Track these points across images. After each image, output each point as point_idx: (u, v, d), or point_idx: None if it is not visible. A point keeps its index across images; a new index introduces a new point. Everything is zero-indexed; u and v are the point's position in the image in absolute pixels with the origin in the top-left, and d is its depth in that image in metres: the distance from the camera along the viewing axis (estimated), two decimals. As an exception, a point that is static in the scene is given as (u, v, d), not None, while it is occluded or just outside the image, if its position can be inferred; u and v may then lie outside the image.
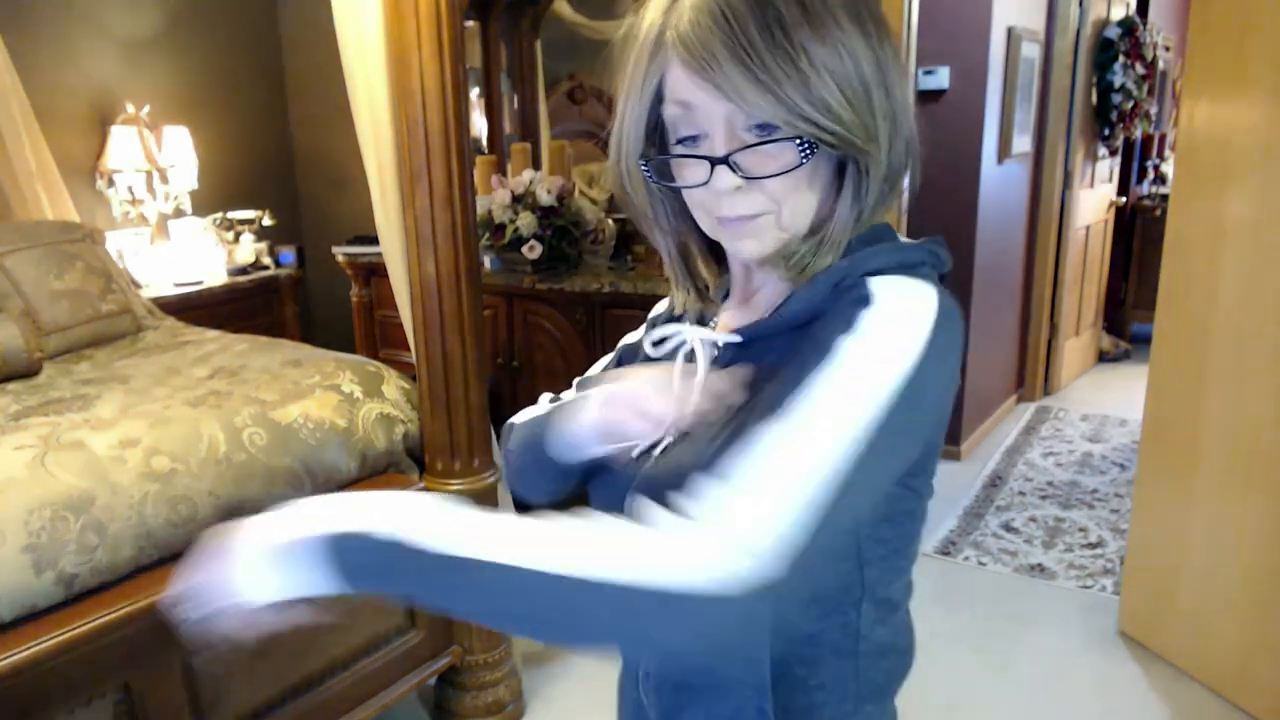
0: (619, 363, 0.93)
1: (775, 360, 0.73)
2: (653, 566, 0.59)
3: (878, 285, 0.70)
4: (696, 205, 0.76)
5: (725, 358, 0.79)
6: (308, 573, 0.68)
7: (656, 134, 0.76)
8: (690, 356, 0.80)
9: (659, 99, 0.73)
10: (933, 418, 0.72)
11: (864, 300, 0.69)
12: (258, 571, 0.69)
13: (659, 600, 0.58)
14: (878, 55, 0.70)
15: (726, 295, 0.86)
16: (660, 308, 0.94)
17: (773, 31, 0.66)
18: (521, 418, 0.93)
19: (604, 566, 0.60)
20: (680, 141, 0.73)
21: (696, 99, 0.69)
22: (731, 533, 0.60)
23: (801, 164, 0.69)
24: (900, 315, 0.68)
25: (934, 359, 0.67)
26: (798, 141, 0.68)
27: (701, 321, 0.85)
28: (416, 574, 0.65)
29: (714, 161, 0.70)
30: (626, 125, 0.75)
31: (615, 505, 0.76)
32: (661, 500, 0.64)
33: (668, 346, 0.81)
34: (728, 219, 0.73)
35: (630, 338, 0.95)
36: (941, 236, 0.78)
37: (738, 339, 0.78)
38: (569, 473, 0.85)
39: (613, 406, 0.78)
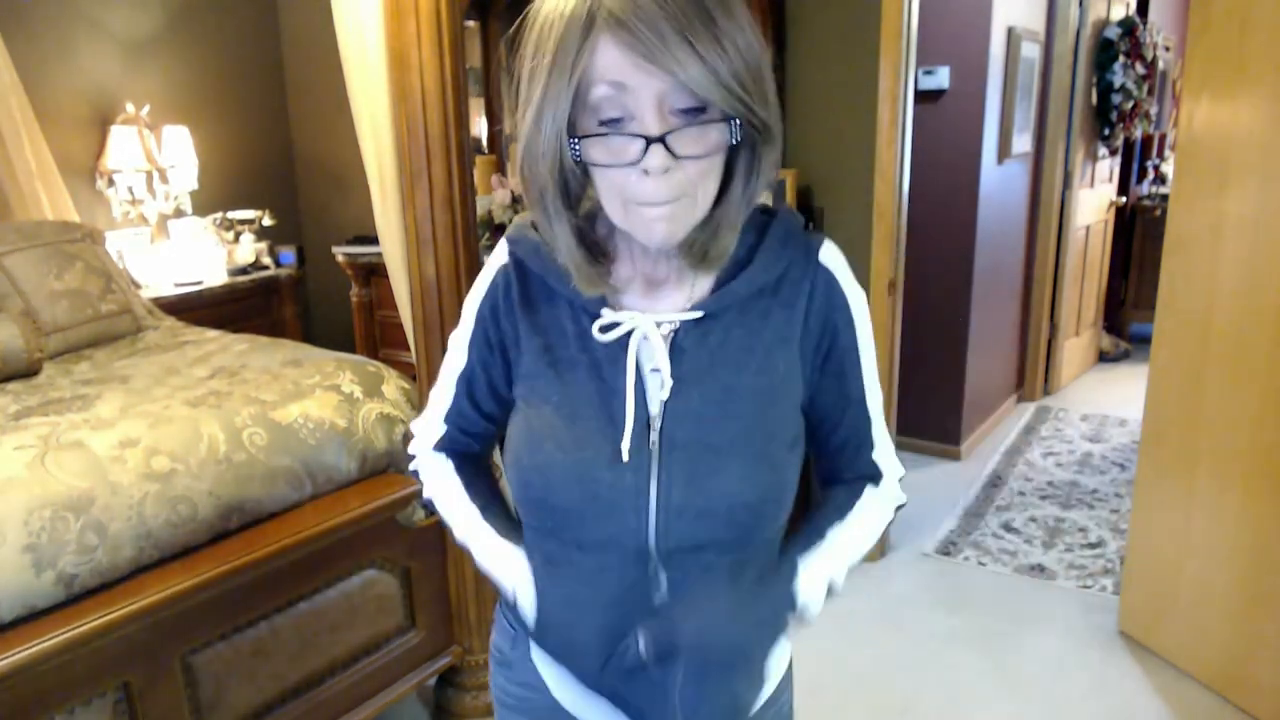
0: (491, 311, 0.94)
1: (744, 332, 0.85)
2: (886, 514, 0.99)
3: (831, 259, 0.89)
4: (611, 191, 0.77)
5: (683, 335, 0.85)
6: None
7: (573, 120, 0.76)
8: (623, 343, 0.86)
9: (584, 80, 0.73)
10: None
11: (837, 279, 0.88)
12: None
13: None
14: (762, 49, 0.76)
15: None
16: (486, 280, 0.95)
17: (704, 16, 0.70)
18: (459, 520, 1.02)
19: (874, 533, 0.97)
20: (603, 124, 0.74)
21: (632, 79, 0.71)
22: (897, 469, 1.00)
23: (731, 143, 0.75)
24: (851, 276, 0.91)
25: None
26: (729, 121, 0.73)
27: (593, 305, 0.87)
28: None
29: (649, 140, 0.72)
30: (546, 105, 0.75)
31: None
32: (865, 455, 0.97)
33: (618, 333, 0.85)
34: (648, 202, 0.75)
35: (479, 292, 0.95)
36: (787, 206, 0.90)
37: (697, 314, 0.85)
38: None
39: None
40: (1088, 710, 2.38)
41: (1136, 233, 5.78)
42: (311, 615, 1.94)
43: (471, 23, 3.75)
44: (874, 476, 0.98)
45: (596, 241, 0.87)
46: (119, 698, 1.63)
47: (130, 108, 3.81)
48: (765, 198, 0.85)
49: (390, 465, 2.19)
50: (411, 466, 1.08)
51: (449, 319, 2.08)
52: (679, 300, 0.87)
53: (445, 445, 1.04)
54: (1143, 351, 4.15)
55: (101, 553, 1.64)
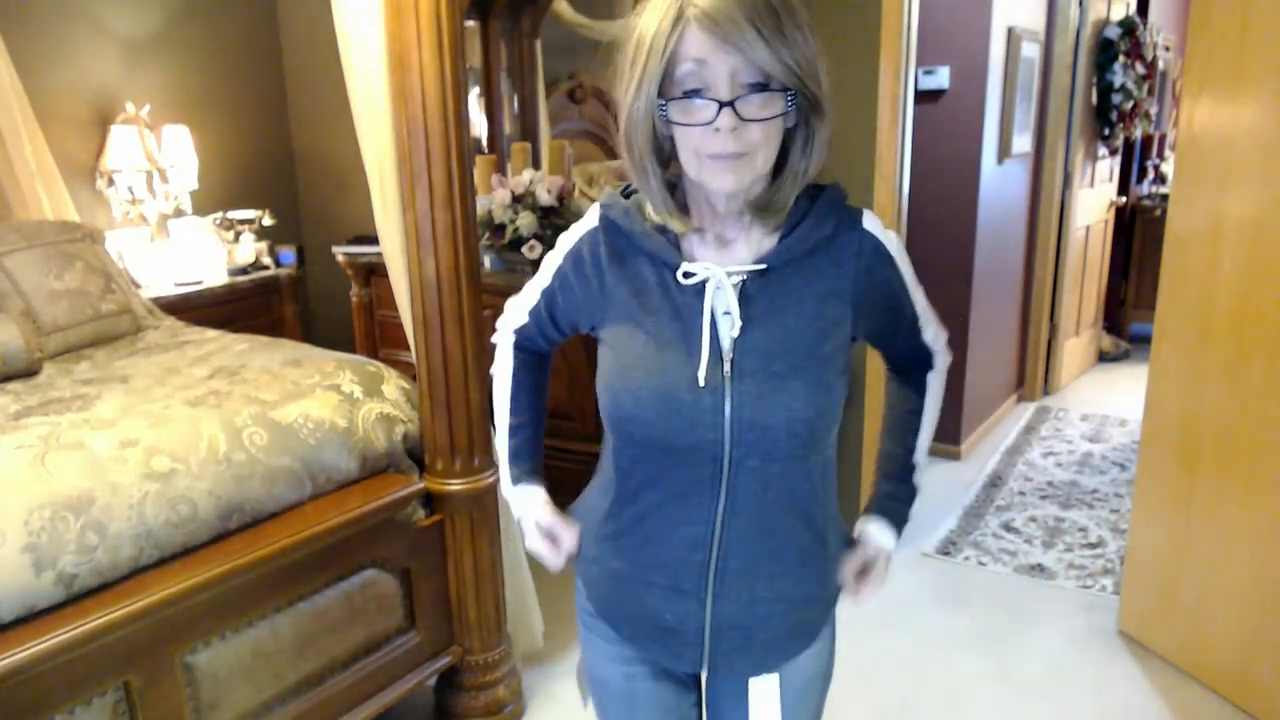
0: (575, 266, 1.13)
1: (802, 282, 1.04)
2: (941, 390, 1.28)
3: (875, 227, 1.08)
4: (689, 147, 0.97)
5: (750, 284, 1.04)
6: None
7: (663, 90, 0.96)
8: (700, 290, 1.04)
9: (671, 61, 0.93)
10: None
11: (881, 244, 1.08)
12: None
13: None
14: (819, 54, 0.97)
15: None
16: (575, 236, 1.15)
17: (771, 13, 0.91)
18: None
19: (935, 417, 1.28)
20: (686, 94, 0.94)
21: (711, 56, 0.91)
22: (944, 343, 1.25)
23: (787, 112, 0.95)
24: (893, 237, 1.10)
25: None
26: (786, 94, 0.93)
27: (671, 252, 1.06)
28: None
29: (721, 104, 0.92)
30: (645, 79, 0.95)
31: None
32: (919, 345, 1.21)
33: (696, 279, 1.03)
34: (719, 155, 0.94)
35: (567, 246, 1.15)
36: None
37: (761, 267, 1.03)
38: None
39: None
40: (1087, 710, 2.38)
41: (1136, 233, 5.79)
42: (311, 615, 1.94)
43: (471, 23, 3.75)
44: (928, 358, 1.23)
45: (681, 205, 1.06)
46: (119, 698, 1.63)
47: (130, 107, 3.81)
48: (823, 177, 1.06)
49: (390, 465, 2.19)
50: (493, 339, 1.31)
51: (449, 319, 2.08)
52: (746, 256, 1.05)
53: (523, 334, 1.26)
54: (1143, 351, 4.15)
55: (101, 552, 1.64)
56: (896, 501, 1.23)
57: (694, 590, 1.09)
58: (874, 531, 1.20)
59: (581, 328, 1.18)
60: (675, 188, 1.06)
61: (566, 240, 1.15)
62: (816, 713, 1.26)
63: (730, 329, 1.02)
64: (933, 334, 1.21)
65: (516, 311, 1.25)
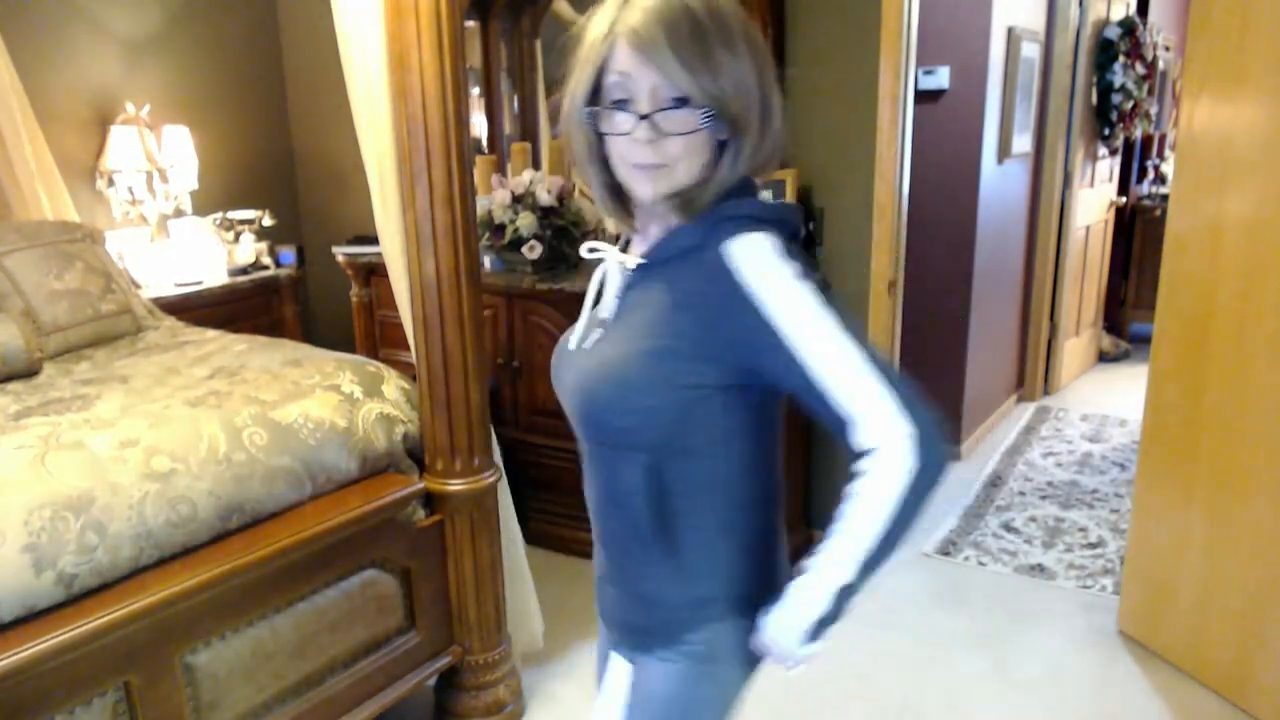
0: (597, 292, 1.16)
1: (658, 287, 1.02)
2: (892, 487, 0.96)
3: (733, 248, 0.97)
4: (616, 154, 1.01)
5: (631, 278, 1.08)
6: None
7: (595, 97, 1.01)
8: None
9: (602, 71, 0.99)
10: None
11: (728, 263, 0.97)
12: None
13: (912, 493, 0.96)
14: (761, 74, 0.99)
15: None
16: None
17: (698, 38, 0.94)
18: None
19: (883, 515, 0.97)
20: (614, 102, 0.99)
21: (635, 70, 0.96)
22: (898, 416, 0.96)
23: (699, 129, 0.97)
24: (765, 256, 0.97)
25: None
26: (701, 111, 0.96)
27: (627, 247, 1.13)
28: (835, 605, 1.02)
29: (640, 116, 0.96)
30: (578, 88, 1.01)
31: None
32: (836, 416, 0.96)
33: (596, 255, 1.13)
34: (639, 164, 0.99)
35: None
36: (795, 205, 1.00)
37: (641, 262, 1.06)
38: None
39: None
40: (1087, 710, 2.38)
41: (1136, 232, 5.79)
42: (312, 615, 1.94)
43: (471, 23, 3.75)
44: (844, 429, 0.95)
45: (622, 201, 1.10)
46: (119, 698, 1.63)
47: (130, 107, 3.81)
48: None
49: (390, 465, 2.19)
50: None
51: (449, 319, 2.08)
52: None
53: None
54: (1143, 351, 4.15)
55: (101, 552, 1.64)
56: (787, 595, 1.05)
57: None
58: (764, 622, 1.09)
59: None
60: (621, 195, 1.09)
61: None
62: None
63: (609, 313, 1.10)
64: (862, 407, 0.93)
65: None
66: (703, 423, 1.02)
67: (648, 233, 1.09)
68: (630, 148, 0.98)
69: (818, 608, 1.02)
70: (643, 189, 1.01)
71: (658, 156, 0.97)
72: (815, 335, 0.94)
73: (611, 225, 1.09)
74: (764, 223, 1.00)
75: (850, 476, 0.97)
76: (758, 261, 0.96)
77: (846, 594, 1.01)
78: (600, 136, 1.03)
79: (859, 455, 0.95)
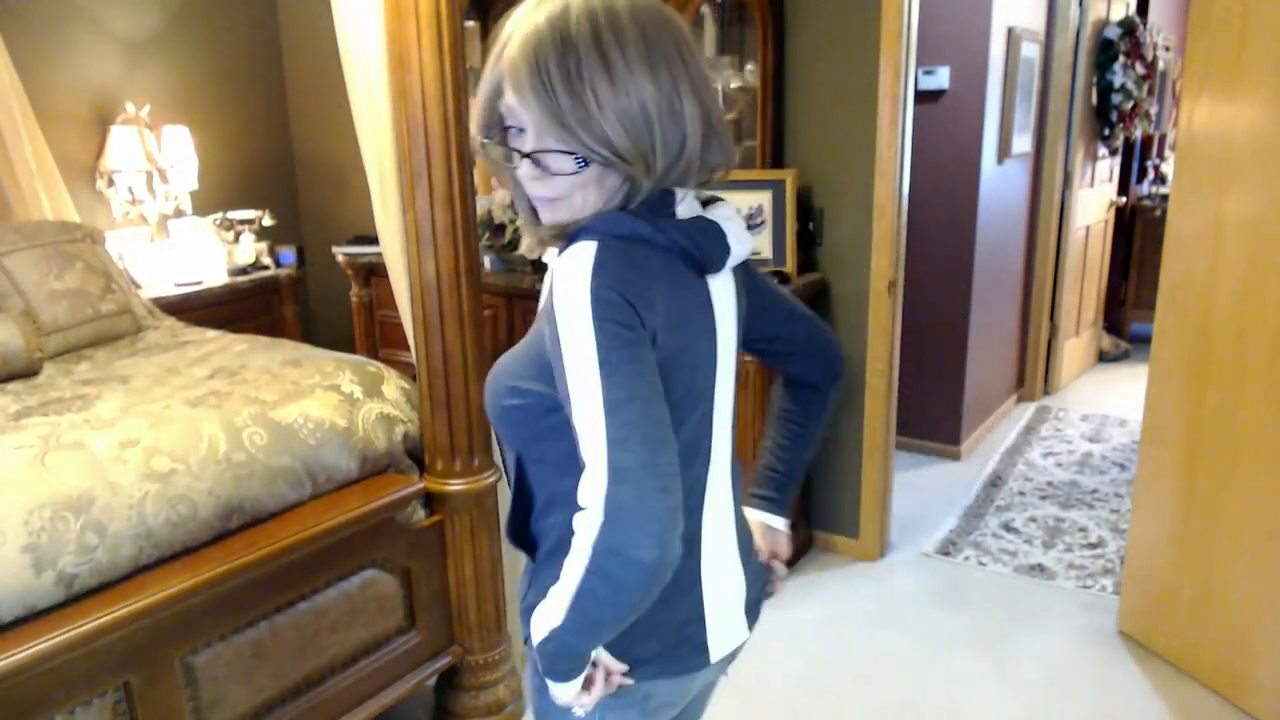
0: None
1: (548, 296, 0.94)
2: (581, 559, 0.89)
3: (563, 260, 0.92)
4: (516, 181, 0.98)
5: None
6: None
7: (497, 121, 0.96)
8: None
9: (494, 95, 0.94)
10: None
11: (556, 273, 0.92)
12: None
13: (602, 558, 0.88)
14: (668, 96, 0.90)
15: None
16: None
17: (569, 76, 0.86)
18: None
19: (573, 577, 0.90)
20: (506, 128, 0.95)
21: (516, 108, 0.91)
22: (601, 484, 0.87)
23: (577, 172, 0.91)
24: (574, 277, 0.89)
25: (598, 321, 0.87)
26: (574, 157, 0.90)
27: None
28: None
29: (523, 155, 0.92)
30: (475, 113, 0.98)
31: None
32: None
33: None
34: (535, 196, 0.97)
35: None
36: (627, 212, 0.95)
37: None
38: None
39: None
40: (1087, 710, 2.38)
41: (1136, 233, 5.78)
42: (311, 615, 1.94)
43: (471, 23, 3.75)
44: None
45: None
46: (119, 698, 1.63)
47: (130, 108, 3.81)
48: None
49: (390, 465, 2.19)
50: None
51: (449, 319, 2.08)
52: None
53: None
54: (1143, 351, 4.15)
55: (101, 552, 1.64)
56: None
57: None
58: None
59: None
60: None
61: None
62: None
63: None
64: (590, 459, 0.86)
65: None
66: (551, 434, 0.99)
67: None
68: (524, 180, 0.95)
69: (538, 638, 0.96)
70: (542, 215, 0.98)
71: (549, 191, 0.94)
72: (580, 371, 0.87)
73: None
74: (607, 236, 0.92)
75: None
76: (567, 277, 0.89)
77: (559, 643, 0.94)
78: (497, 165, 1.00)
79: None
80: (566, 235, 0.96)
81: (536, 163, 0.92)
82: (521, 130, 0.92)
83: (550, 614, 0.94)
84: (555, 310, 0.89)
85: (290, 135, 4.63)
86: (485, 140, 0.97)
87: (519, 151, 0.92)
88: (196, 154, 3.98)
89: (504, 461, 1.14)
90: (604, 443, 0.84)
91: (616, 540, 0.84)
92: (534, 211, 1.01)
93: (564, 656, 0.96)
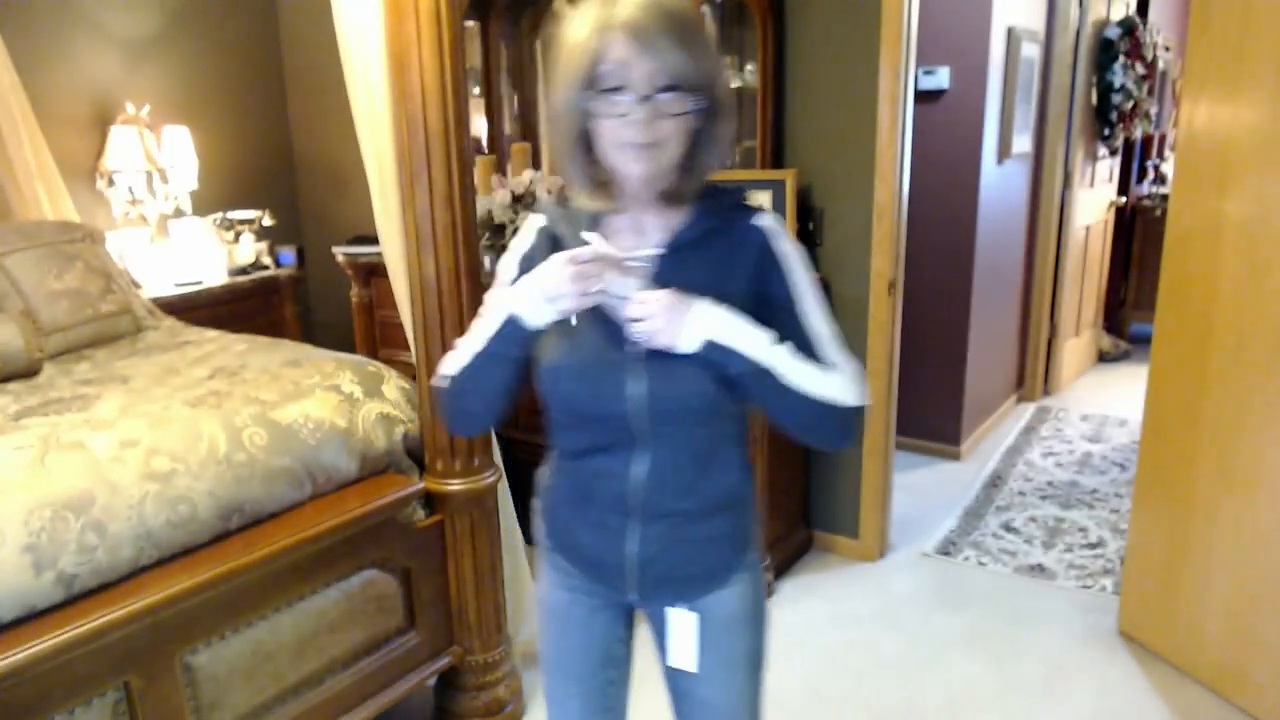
0: (527, 268, 1.20)
1: (697, 264, 1.16)
2: (838, 392, 1.18)
3: (768, 224, 1.20)
4: (608, 137, 1.11)
5: (659, 267, 1.17)
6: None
7: (587, 88, 1.10)
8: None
9: (597, 61, 1.07)
10: None
11: (769, 238, 1.19)
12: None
13: (841, 412, 1.18)
14: (719, 61, 1.07)
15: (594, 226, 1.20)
16: (527, 240, 1.27)
17: (684, 30, 1.07)
18: (457, 353, 1.25)
19: (822, 391, 1.16)
20: (608, 90, 1.08)
21: (633, 58, 1.06)
22: (857, 375, 1.20)
23: (689, 110, 1.09)
24: (789, 239, 1.21)
25: None
26: (692, 95, 1.08)
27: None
28: (744, 365, 1.13)
29: (640, 98, 1.07)
30: (572, 75, 1.09)
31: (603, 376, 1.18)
32: (816, 359, 1.18)
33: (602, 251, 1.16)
34: (633, 144, 1.09)
35: (520, 249, 1.27)
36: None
37: (662, 251, 1.17)
38: (524, 359, 1.20)
39: (581, 265, 1.11)
40: (1087, 710, 2.38)
41: (1136, 233, 5.78)
42: (311, 615, 1.94)
43: (471, 23, 3.75)
44: (834, 364, 1.20)
45: (603, 190, 1.20)
46: (119, 698, 1.63)
47: (130, 108, 3.81)
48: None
49: (390, 465, 2.19)
50: (439, 397, 1.29)
51: (449, 319, 2.08)
52: (656, 239, 1.19)
53: None
54: (1143, 351, 4.15)
55: (101, 553, 1.64)
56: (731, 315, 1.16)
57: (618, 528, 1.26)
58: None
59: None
60: (603, 182, 1.19)
61: (517, 244, 1.28)
62: (752, 651, 1.34)
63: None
64: (837, 357, 1.20)
65: (455, 359, 1.27)
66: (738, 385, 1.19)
67: (640, 223, 1.20)
68: (625, 129, 1.08)
69: (734, 338, 1.12)
70: (634, 168, 1.11)
71: (651, 135, 1.08)
72: (817, 306, 1.20)
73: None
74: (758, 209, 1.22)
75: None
76: (787, 239, 1.20)
77: (751, 360, 1.13)
78: (585, 128, 1.12)
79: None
80: (678, 198, 1.16)
81: (651, 106, 1.06)
82: (622, 87, 1.07)
83: (764, 340, 1.14)
84: (790, 260, 1.19)
85: (290, 135, 4.63)
86: (586, 95, 1.09)
87: (636, 95, 1.06)
88: (196, 154, 3.98)
89: (681, 455, 1.21)
90: (837, 339, 1.21)
91: (863, 397, 1.20)
92: (595, 184, 1.18)
93: (724, 354, 1.13)
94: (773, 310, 1.18)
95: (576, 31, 1.10)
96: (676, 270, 1.16)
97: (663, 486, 1.21)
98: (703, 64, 1.08)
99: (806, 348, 1.17)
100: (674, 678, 1.37)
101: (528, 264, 1.22)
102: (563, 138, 1.15)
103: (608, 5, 1.08)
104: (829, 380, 1.17)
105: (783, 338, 1.16)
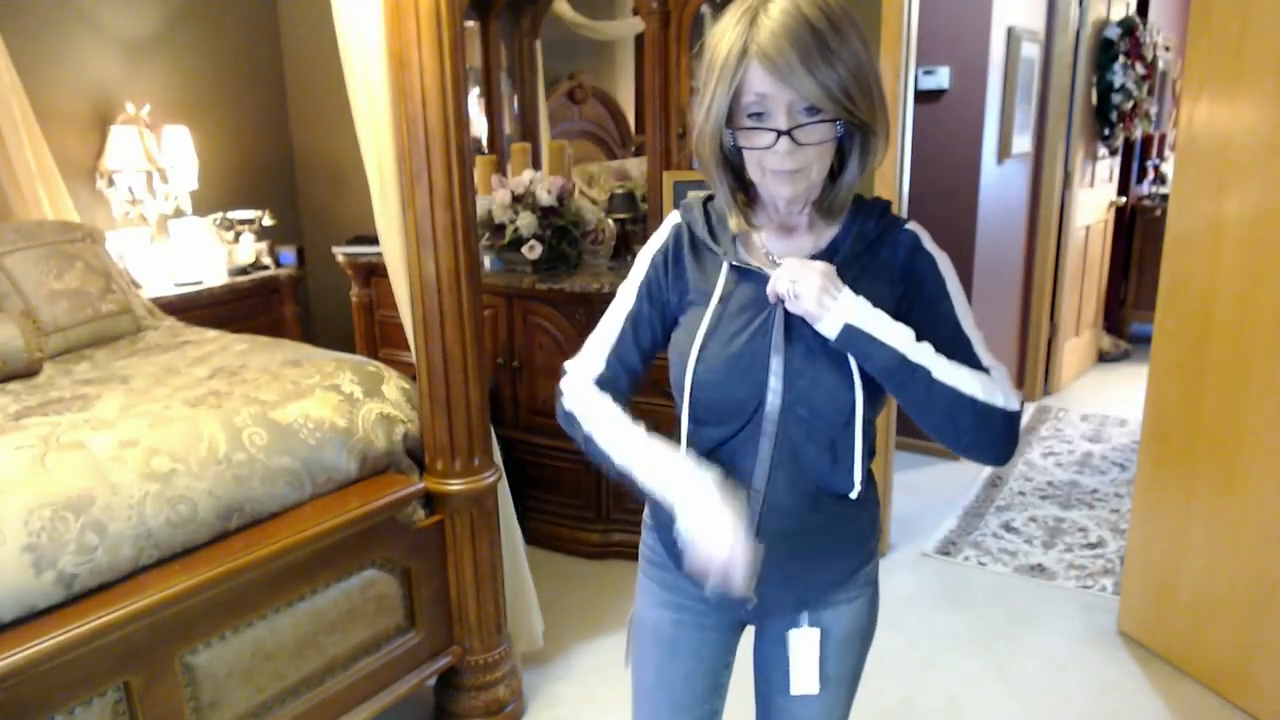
0: (663, 257, 1.25)
1: (858, 272, 1.15)
2: (996, 394, 1.13)
3: (917, 228, 1.20)
4: (754, 161, 1.11)
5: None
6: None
7: (731, 113, 1.10)
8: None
9: (738, 91, 1.07)
10: None
11: (920, 240, 1.19)
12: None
13: (1003, 416, 1.14)
14: (874, 64, 1.09)
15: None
16: (662, 237, 1.27)
17: (824, 49, 1.03)
18: (605, 427, 1.22)
19: (978, 391, 1.12)
20: (750, 116, 1.08)
21: (771, 90, 1.05)
22: (1007, 379, 1.17)
23: (835, 138, 1.08)
24: (937, 247, 1.20)
25: None
26: (835, 121, 1.06)
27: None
28: (886, 357, 1.11)
29: (780, 132, 1.06)
30: (714, 105, 1.09)
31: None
32: (972, 363, 1.15)
33: (758, 269, 1.18)
34: (778, 171, 1.09)
35: (655, 245, 1.27)
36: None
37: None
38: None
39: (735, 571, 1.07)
40: (1087, 710, 2.38)
41: (1136, 233, 5.78)
42: (311, 615, 1.94)
43: (471, 23, 3.75)
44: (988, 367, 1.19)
45: (748, 200, 1.21)
46: (119, 698, 1.63)
47: (130, 108, 3.81)
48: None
49: (390, 465, 2.19)
50: (565, 407, 1.26)
51: (449, 318, 2.08)
52: (808, 245, 1.19)
53: (602, 383, 1.26)
54: (1143, 351, 4.15)
55: (101, 553, 1.64)
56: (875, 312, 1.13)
57: None
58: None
59: (669, 311, 1.27)
60: (748, 186, 1.19)
61: (655, 240, 1.28)
62: (856, 669, 1.38)
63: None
64: (989, 360, 1.18)
65: (593, 358, 1.27)
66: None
67: (793, 234, 1.20)
68: (769, 156, 1.08)
69: (876, 328, 1.10)
70: (783, 190, 1.11)
71: (795, 163, 1.08)
72: (967, 310, 1.20)
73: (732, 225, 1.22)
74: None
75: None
76: (936, 246, 1.20)
77: (896, 353, 1.11)
78: (735, 151, 1.14)
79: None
80: (831, 212, 1.16)
81: (791, 139, 1.05)
82: (764, 115, 1.06)
83: (908, 339, 1.11)
84: (941, 263, 1.18)
85: (290, 135, 4.63)
86: (732, 130, 1.10)
87: (775, 129, 1.05)
88: (196, 154, 3.98)
89: (816, 456, 1.18)
90: (985, 344, 1.19)
91: (1019, 402, 1.17)
92: (737, 197, 1.18)
93: (868, 346, 1.10)
94: (923, 312, 1.16)
95: (720, 50, 1.08)
96: (846, 279, 1.15)
97: (790, 490, 1.18)
98: (846, 82, 1.04)
99: (958, 349, 1.15)
100: (766, 696, 1.36)
101: (660, 262, 1.25)
102: (708, 153, 1.15)
103: (749, 18, 1.05)
104: (985, 381, 1.13)
105: (934, 340, 1.13)
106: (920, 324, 1.14)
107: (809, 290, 1.08)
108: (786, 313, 1.14)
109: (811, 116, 1.05)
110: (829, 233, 1.19)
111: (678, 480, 1.13)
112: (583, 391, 1.25)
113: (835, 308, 1.09)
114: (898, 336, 1.10)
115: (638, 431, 1.19)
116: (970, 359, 1.16)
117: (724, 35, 1.07)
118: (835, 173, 1.14)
